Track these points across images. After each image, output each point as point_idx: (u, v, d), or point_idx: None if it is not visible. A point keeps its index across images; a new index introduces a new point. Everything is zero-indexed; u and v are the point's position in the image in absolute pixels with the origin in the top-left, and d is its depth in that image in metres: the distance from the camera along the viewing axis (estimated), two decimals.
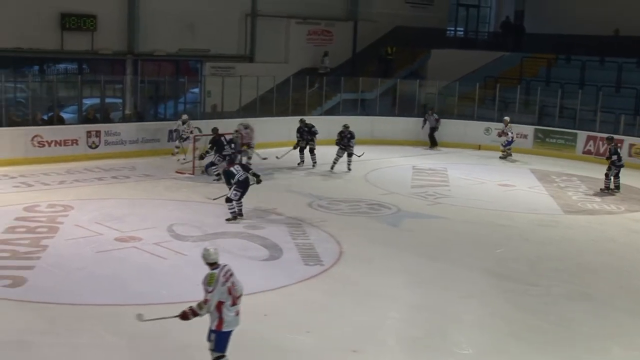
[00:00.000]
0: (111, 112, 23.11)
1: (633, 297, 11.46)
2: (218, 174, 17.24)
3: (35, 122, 20.29)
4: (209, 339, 7.67)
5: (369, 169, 20.38)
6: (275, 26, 27.73)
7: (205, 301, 7.47)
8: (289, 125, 21.98)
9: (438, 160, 22.76)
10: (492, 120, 25.11)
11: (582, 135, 23.45)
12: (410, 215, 15.75)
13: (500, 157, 23.40)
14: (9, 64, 22.69)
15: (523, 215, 16.10)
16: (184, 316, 7.59)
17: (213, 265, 7.59)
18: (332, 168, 19.94)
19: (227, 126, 19.91)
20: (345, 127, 20.10)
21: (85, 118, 21.43)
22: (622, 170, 18.62)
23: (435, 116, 24.98)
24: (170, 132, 21.16)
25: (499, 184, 19.51)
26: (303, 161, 20.56)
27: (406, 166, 21.65)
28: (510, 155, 23.42)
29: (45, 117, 21.10)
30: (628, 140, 22.34)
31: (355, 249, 13.00)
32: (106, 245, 12.44)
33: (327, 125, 23.19)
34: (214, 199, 15.28)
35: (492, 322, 10.13)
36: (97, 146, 20.34)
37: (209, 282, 7.46)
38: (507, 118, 23.51)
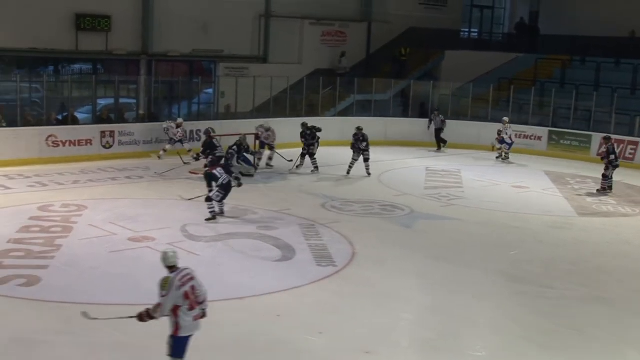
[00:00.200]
0: (125, 113, 23.21)
1: None
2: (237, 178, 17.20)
3: (49, 122, 20.42)
4: (168, 344, 7.50)
5: (382, 170, 20.34)
6: (289, 27, 27.73)
7: (159, 305, 7.35)
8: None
9: (452, 162, 22.69)
10: None
11: (596, 137, 23.25)
12: (424, 216, 15.71)
13: (497, 157, 23.03)
14: (24, 64, 22.88)
15: (537, 217, 16.02)
16: (141, 317, 7.49)
17: (172, 268, 7.44)
18: (348, 172, 19.45)
19: (241, 127, 19.96)
20: (358, 129, 19.59)
21: (99, 118, 21.52)
22: (629, 172, 18.50)
23: (441, 117, 24.75)
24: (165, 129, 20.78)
25: (513, 185, 19.43)
26: (302, 164, 20.03)
27: (420, 167, 21.61)
28: (508, 157, 22.91)
29: (60, 117, 21.22)
30: None
31: (368, 250, 12.98)
32: (120, 245, 12.48)
33: (340, 126, 23.23)
34: (189, 199, 15.27)
35: (505, 325, 10.08)
36: (111, 146, 20.42)
37: (162, 286, 7.32)
38: (505, 118, 23.16)
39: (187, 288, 7.38)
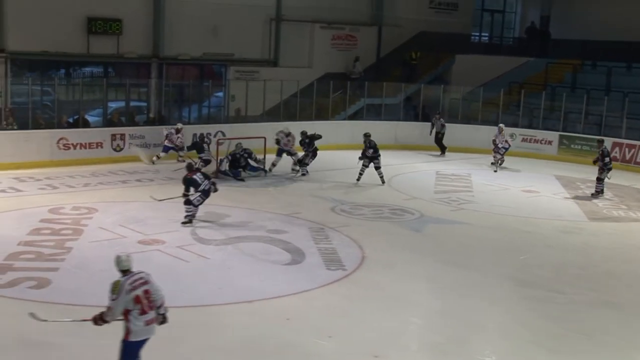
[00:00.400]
0: (136, 116, 23.29)
1: None
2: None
3: (60, 125, 20.50)
4: (119, 348, 7.44)
5: (392, 174, 20.32)
6: (299, 31, 27.78)
7: (109, 308, 7.31)
8: (312, 130, 21.94)
9: (461, 166, 22.65)
10: (516, 126, 24.96)
11: (607, 142, 23.15)
12: (433, 220, 15.69)
13: (492, 163, 22.34)
14: (36, 67, 23.01)
15: (547, 222, 15.98)
16: (95, 321, 7.47)
17: (125, 272, 7.39)
18: (357, 180, 18.95)
19: (250, 130, 19.96)
20: (366, 136, 18.99)
21: (110, 121, 21.60)
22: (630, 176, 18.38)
23: (442, 121, 24.52)
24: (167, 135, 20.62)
25: (523, 190, 19.39)
26: (298, 171, 19.86)
27: (429, 171, 21.58)
28: (502, 162, 22.38)
29: (71, 120, 21.31)
30: None
31: (378, 254, 12.97)
32: (129, 248, 12.45)
33: (350, 130, 23.25)
34: (160, 200, 15.24)
35: (514, 329, 10.05)
36: (121, 149, 20.49)
37: (112, 289, 7.27)
38: (502, 125, 22.77)
39: (138, 292, 7.30)
